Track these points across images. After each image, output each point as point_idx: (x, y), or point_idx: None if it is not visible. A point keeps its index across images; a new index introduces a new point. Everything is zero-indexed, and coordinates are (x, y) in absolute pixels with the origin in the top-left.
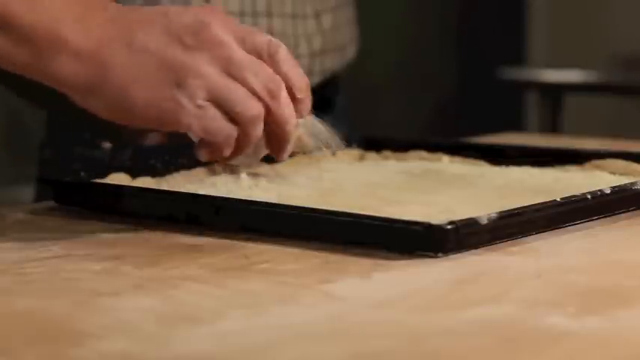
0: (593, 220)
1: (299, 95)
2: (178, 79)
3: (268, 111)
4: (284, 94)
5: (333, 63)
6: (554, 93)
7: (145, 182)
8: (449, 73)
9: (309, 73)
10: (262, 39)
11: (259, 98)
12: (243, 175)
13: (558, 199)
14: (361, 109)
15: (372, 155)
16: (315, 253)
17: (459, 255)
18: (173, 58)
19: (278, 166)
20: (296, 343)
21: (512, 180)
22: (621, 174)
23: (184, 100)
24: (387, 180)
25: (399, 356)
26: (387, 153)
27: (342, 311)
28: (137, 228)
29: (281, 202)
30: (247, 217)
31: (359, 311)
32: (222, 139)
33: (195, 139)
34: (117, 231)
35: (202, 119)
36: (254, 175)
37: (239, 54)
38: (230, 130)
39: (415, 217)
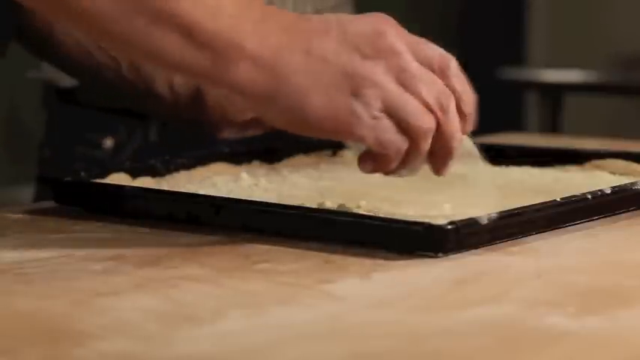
0: (593, 220)
1: (466, 110)
2: (355, 89)
3: (437, 125)
4: (453, 108)
5: None
6: (554, 93)
7: (145, 182)
8: None
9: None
10: (434, 51)
11: (431, 111)
12: (244, 175)
13: (558, 199)
14: None
15: None
16: (315, 253)
17: (459, 255)
18: (350, 66)
19: (278, 166)
20: (296, 343)
21: (512, 180)
22: (621, 174)
23: (360, 111)
24: (387, 180)
25: (399, 356)
26: None
27: (342, 311)
28: (137, 228)
29: (281, 202)
30: (247, 217)
31: (359, 311)
32: (393, 151)
33: (353, 151)
34: (117, 231)
35: (376, 131)
36: (254, 175)
37: (413, 65)
38: (402, 143)
39: (415, 217)
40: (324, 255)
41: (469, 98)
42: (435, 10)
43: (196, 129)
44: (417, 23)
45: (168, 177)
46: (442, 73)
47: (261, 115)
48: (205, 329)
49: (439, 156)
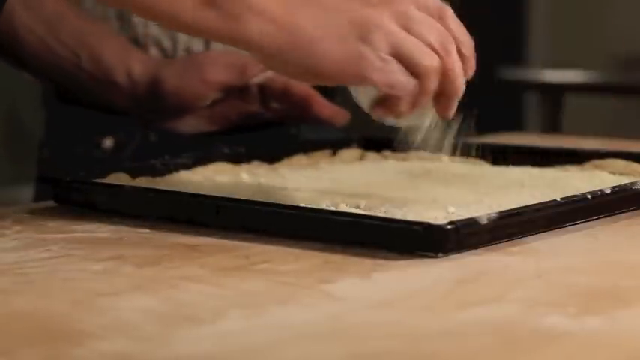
0: (593, 220)
1: (466, 53)
2: (363, 35)
3: (442, 66)
4: (454, 48)
5: None
6: (554, 93)
7: (145, 182)
8: None
9: None
10: (432, 1)
11: (435, 52)
12: (244, 175)
13: (558, 199)
14: (361, 109)
15: (372, 155)
16: (315, 253)
17: (458, 255)
18: (357, 15)
19: (278, 166)
20: (296, 343)
21: (512, 180)
22: (621, 174)
23: (369, 55)
24: (387, 180)
25: (399, 356)
26: (387, 153)
27: (342, 311)
28: (137, 228)
29: (281, 202)
30: (247, 217)
31: (359, 311)
32: (403, 91)
33: (364, 103)
34: (117, 231)
35: (385, 72)
36: (254, 175)
37: (415, 11)
38: (410, 83)
39: (415, 217)
40: (324, 255)
41: (468, 42)
42: None
43: (157, 119)
44: None
45: (168, 177)
46: (440, 19)
47: (274, 68)
48: (205, 329)
49: (445, 97)
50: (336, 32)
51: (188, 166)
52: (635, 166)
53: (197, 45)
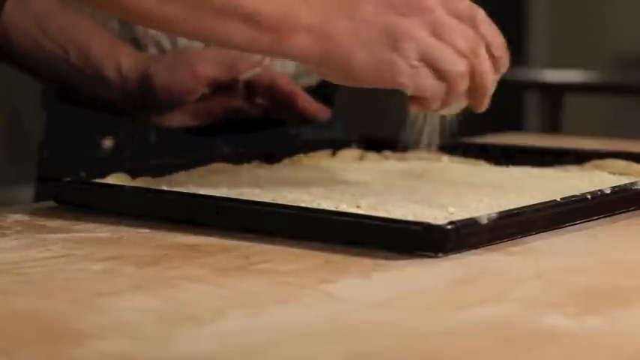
0: (593, 220)
1: (496, 53)
2: (394, 44)
3: (471, 67)
4: (484, 51)
5: None
6: (554, 93)
7: (145, 182)
8: None
9: (308, 72)
10: (463, 4)
11: (464, 56)
12: (244, 175)
13: (558, 199)
14: (361, 109)
15: (372, 155)
16: (315, 253)
17: (458, 255)
18: (389, 25)
19: (278, 166)
20: (296, 343)
21: (512, 180)
22: (621, 174)
23: (400, 62)
24: (387, 180)
25: (399, 356)
26: (387, 153)
27: (342, 311)
28: (137, 228)
29: (281, 202)
30: (247, 217)
31: (359, 311)
32: (432, 94)
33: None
34: (117, 231)
35: (415, 78)
36: (254, 175)
37: (445, 18)
38: (439, 87)
39: (415, 217)
40: (324, 255)
41: (498, 42)
42: None
43: (145, 114)
44: None
45: (168, 177)
46: (471, 22)
47: (318, 74)
48: (205, 329)
49: (477, 95)
50: (369, 42)
51: (188, 166)
52: (635, 166)
53: (196, 43)
